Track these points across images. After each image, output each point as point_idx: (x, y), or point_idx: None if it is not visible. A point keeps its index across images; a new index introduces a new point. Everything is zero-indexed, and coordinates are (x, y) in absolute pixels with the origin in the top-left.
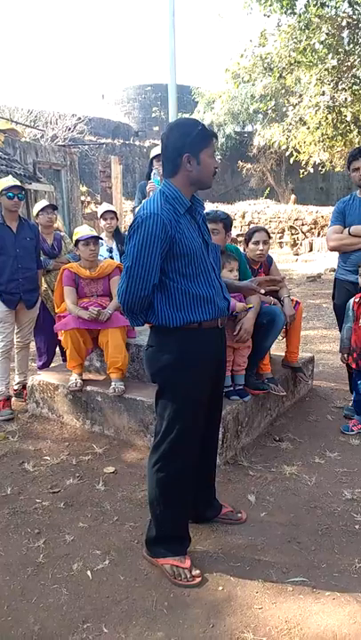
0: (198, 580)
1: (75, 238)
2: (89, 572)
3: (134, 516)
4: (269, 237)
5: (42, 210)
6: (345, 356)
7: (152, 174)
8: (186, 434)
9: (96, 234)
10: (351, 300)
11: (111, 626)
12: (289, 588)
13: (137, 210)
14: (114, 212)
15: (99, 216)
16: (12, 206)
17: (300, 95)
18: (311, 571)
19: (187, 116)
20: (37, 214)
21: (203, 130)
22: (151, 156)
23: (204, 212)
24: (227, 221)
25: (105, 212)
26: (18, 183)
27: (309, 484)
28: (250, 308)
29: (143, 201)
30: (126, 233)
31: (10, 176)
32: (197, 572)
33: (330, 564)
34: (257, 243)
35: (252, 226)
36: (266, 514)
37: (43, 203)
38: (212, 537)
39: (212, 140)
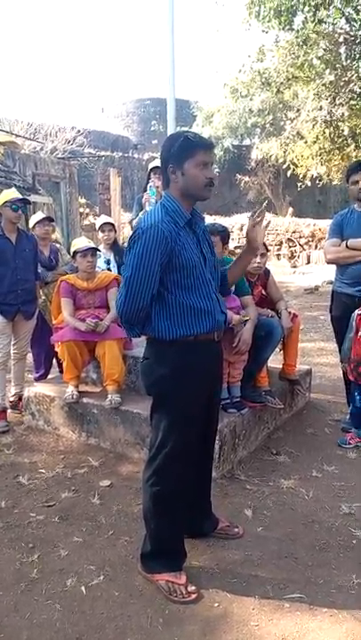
0: (194, 596)
1: (72, 250)
2: (83, 588)
3: (130, 531)
4: (267, 250)
5: (38, 222)
6: (345, 365)
7: (148, 186)
8: (181, 447)
9: (94, 245)
10: (356, 312)
11: None
12: (286, 605)
13: (134, 222)
14: (112, 225)
15: (97, 228)
16: (14, 218)
17: (298, 110)
18: (308, 587)
19: (185, 129)
20: (34, 226)
21: (185, 140)
22: (149, 169)
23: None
24: (224, 234)
25: (103, 224)
26: (22, 196)
27: (307, 498)
28: (246, 320)
29: (140, 213)
30: (125, 245)
31: (13, 188)
32: (193, 588)
33: (327, 580)
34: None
35: None
36: (263, 528)
37: (39, 215)
38: (209, 552)
39: (197, 150)
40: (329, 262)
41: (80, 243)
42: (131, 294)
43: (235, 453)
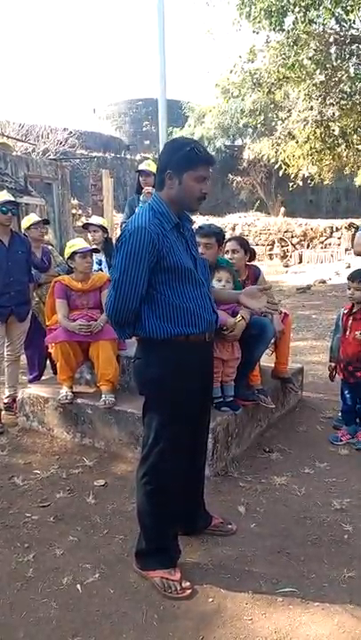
0: (188, 592)
1: (70, 250)
2: (79, 586)
3: (124, 529)
4: (244, 247)
5: (34, 224)
6: (331, 364)
7: (141, 200)
8: (173, 445)
9: (94, 246)
10: (341, 311)
11: (101, 639)
12: (279, 599)
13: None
14: (98, 225)
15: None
16: (5, 220)
17: (289, 110)
18: (301, 581)
19: (177, 130)
20: (29, 227)
21: (191, 151)
22: (136, 170)
23: (198, 225)
24: (219, 236)
25: (85, 224)
26: (12, 198)
27: (299, 494)
28: (240, 321)
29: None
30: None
31: (5, 190)
32: (187, 584)
33: (319, 574)
34: (227, 252)
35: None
36: (256, 525)
37: (34, 217)
38: (202, 549)
39: (200, 164)
40: (358, 254)
41: (79, 243)
42: (120, 296)
43: (228, 451)
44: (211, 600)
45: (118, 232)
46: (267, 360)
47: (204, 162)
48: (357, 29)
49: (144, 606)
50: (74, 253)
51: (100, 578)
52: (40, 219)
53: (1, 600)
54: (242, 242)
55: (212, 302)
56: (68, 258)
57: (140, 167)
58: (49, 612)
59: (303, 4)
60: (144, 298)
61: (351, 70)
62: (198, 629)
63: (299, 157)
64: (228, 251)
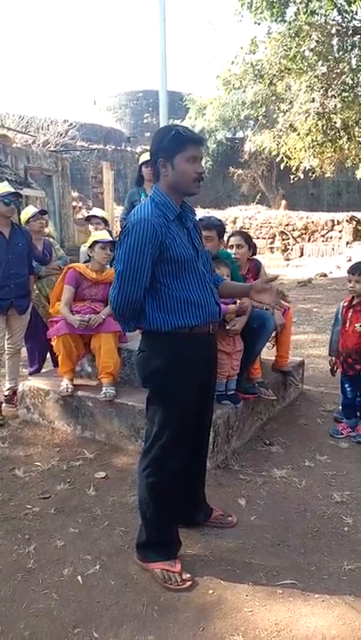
0: (189, 583)
1: (92, 240)
2: (79, 578)
3: (125, 521)
4: (248, 242)
5: (33, 216)
6: (332, 359)
7: (141, 199)
8: (176, 438)
9: (115, 239)
10: (340, 304)
11: (102, 630)
12: (279, 591)
13: (126, 219)
14: (100, 218)
15: (85, 220)
16: (7, 212)
17: (291, 102)
18: (301, 573)
19: (178, 122)
20: (28, 220)
21: (176, 134)
22: (140, 162)
23: (199, 218)
24: (220, 228)
25: (89, 216)
26: (14, 190)
27: (299, 487)
28: (243, 308)
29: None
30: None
31: (5, 182)
32: (188, 575)
33: (319, 566)
34: (231, 247)
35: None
36: (256, 517)
37: (32, 209)
38: (203, 541)
39: (188, 144)
40: None
41: (101, 235)
42: (123, 288)
43: (228, 444)
44: (211, 592)
45: (118, 226)
46: (267, 353)
47: (192, 141)
48: (360, 21)
49: (144, 598)
50: (95, 243)
51: (101, 569)
52: (37, 209)
53: (2, 591)
54: (246, 237)
55: (214, 293)
56: (89, 247)
57: (143, 158)
58: (50, 604)
59: None
60: (148, 290)
61: (353, 62)
62: (198, 621)
63: (300, 150)
64: (232, 245)
